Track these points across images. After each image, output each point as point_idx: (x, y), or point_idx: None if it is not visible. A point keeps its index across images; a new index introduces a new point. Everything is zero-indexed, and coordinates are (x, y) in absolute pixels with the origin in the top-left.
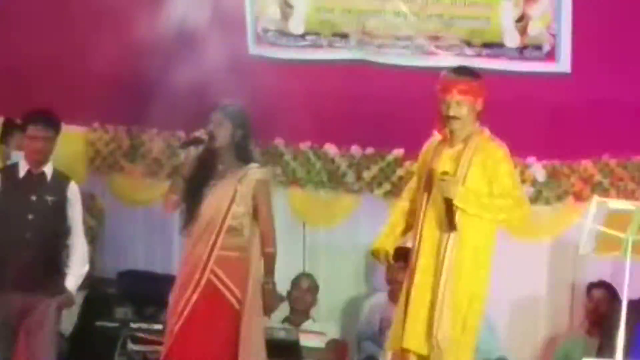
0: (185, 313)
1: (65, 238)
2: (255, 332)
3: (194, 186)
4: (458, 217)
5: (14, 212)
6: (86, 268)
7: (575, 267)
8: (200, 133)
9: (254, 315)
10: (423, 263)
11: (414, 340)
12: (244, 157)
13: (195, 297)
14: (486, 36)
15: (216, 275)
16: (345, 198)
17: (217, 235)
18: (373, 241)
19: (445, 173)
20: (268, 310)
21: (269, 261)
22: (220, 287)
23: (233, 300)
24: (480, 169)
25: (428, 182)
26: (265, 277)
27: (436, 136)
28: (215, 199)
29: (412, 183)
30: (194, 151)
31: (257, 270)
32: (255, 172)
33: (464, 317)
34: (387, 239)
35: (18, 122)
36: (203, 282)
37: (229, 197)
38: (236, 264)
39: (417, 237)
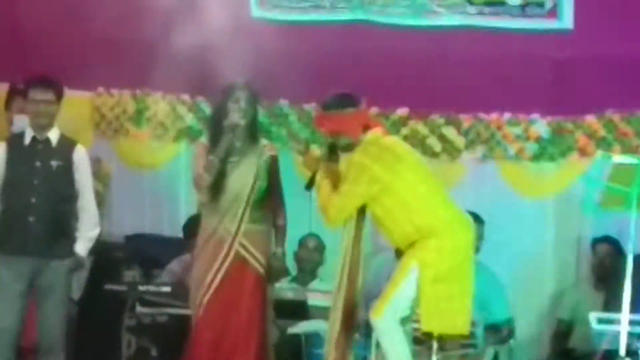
0: (215, 284)
1: (73, 202)
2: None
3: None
4: None
5: (20, 178)
6: (97, 231)
7: (580, 222)
8: (237, 119)
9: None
10: None
11: None
12: (255, 133)
13: (224, 268)
14: None
15: (243, 246)
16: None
17: (245, 209)
18: None
19: None
20: (273, 279)
21: (281, 233)
22: (247, 256)
23: (259, 268)
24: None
25: None
26: (276, 247)
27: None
28: (240, 175)
29: None
30: (230, 135)
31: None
32: (269, 148)
33: None
34: None
35: (21, 87)
36: (232, 253)
37: (253, 173)
38: (260, 234)
39: None
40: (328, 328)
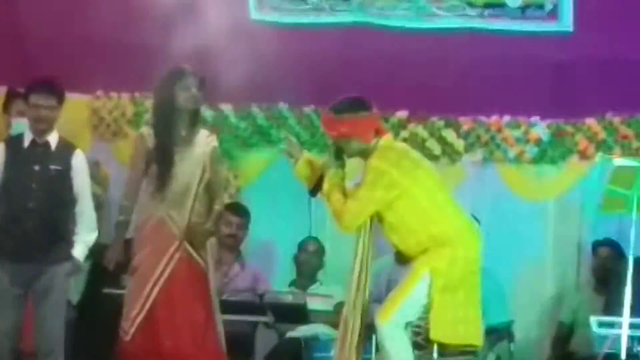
0: (164, 277)
1: (71, 206)
2: (213, 289)
3: (165, 150)
4: None
5: (18, 182)
6: (94, 235)
7: (581, 225)
8: (189, 104)
9: (212, 274)
10: None
11: None
12: (196, 122)
13: (173, 261)
14: None
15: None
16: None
17: (194, 202)
18: None
19: None
20: (198, 245)
21: (215, 216)
22: (191, 250)
23: (201, 262)
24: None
25: None
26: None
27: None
28: (188, 166)
29: None
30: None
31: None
32: (211, 139)
33: None
34: None
35: (20, 91)
36: (181, 247)
37: (201, 165)
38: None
39: None
40: (347, 334)
